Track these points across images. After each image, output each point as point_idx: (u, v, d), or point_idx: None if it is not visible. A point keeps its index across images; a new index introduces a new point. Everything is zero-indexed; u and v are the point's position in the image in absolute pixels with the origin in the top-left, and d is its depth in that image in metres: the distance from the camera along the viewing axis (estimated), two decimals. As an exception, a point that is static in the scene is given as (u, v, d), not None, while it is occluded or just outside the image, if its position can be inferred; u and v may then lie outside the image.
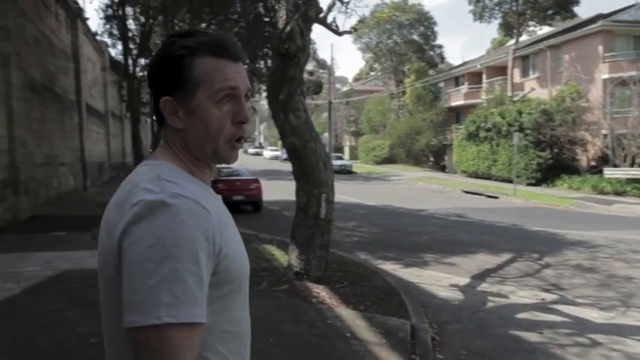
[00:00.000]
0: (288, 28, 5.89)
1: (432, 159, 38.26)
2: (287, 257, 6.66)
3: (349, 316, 4.91)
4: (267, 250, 8.38)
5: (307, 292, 5.69)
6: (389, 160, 41.19)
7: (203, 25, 14.54)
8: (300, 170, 6.21)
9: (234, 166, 17.61)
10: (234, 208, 15.35)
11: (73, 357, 3.68)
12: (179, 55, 1.02)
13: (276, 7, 6.23)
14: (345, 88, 60.50)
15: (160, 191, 0.93)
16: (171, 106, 1.03)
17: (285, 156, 51.34)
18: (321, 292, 5.71)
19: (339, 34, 10.50)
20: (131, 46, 15.62)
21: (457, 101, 36.07)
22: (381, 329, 4.60)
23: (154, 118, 1.16)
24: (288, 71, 6.00)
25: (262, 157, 56.79)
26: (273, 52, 6.54)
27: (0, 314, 4.54)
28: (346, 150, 50.90)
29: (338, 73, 78.20)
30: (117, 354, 0.99)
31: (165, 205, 0.91)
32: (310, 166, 6.10)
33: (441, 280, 7.36)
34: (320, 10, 6.45)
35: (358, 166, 39.52)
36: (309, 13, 6.06)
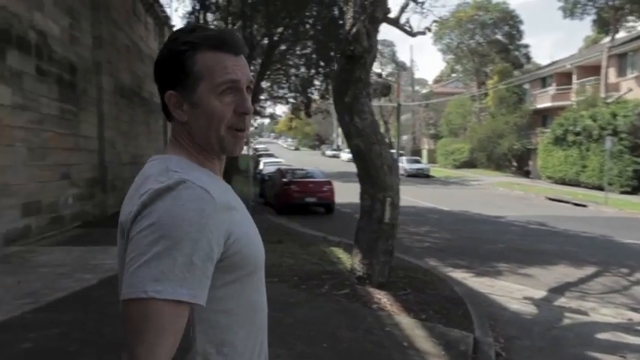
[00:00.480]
0: (354, 30, 5.83)
1: (514, 164, 36.58)
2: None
3: (409, 324, 4.76)
4: (334, 253, 8.36)
5: (368, 297, 5.59)
6: (468, 164, 39.91)
7: (280, 29, 14.80)
8: (365, 173, 6.12)
9: (309, 168, 17.82)
10: (305, 209, 15.54)
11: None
12: (181, 51, 1.05)
13: (345, 9, 6.18)
14: (424, 90, 59.38)
15: (167, 180, 0.96)
16: (176, 99, 1.07)
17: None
18: (383, 298, 5.58)
19: (413, 35, 10.31)
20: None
21: (543, 103, 34.20)
22: (442, 340, 4.40)
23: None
24: (354, 73, 5.93)
25: (339, 160, 57.03)
26: (339, 53, 6.49)
27: (75, 303, 4.85)
28: (424, 153, 49.92)
29: (418, 75, 76.96)
30: None
31: (169, 189, 0.94)
32: (375, 169, 5.99)
33: (514, 291, 6.96)
34: (388, 10, 6.32)
35: (436, 170, 38.61)
36: (375, 14, 5.96)
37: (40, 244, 8.23)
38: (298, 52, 17.64)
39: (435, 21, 13.76)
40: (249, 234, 1.06)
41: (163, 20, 20.33)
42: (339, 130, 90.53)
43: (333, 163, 48.98)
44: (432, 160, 46.45)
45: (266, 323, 1.16)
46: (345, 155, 57.97)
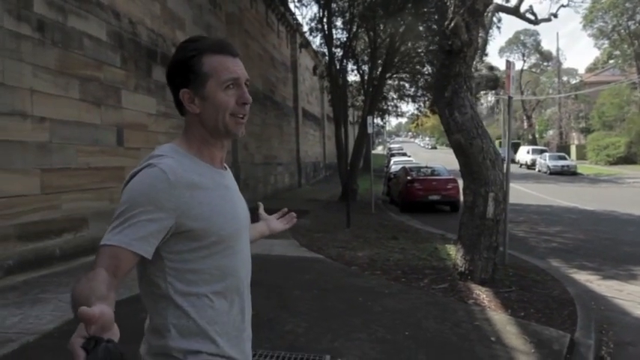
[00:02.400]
0: (452, 24, 5.79)
1: (684, 158, 32.01)
2: (458, 257, 6.52)
3: (501, 320, 4.65)
4: (446, 250, 8.28)
5: (466, 292, 5.53)
6: (626, 160, 35.78)
7: (401, 28, 14.83)
8: (466, 168, 6.04)
9: (435, 165, 17.54)
10: (430, 207, 15.34)
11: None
12: (190, 56, 1.30)
13: (448, 3, 6.15)
14: (573, 81, 54.51)
15: (143, 164, 1.26)
16: (189, 95, 1.31)
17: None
18: (482, 294, 5.48)
19: (536, 22, 9.77)
20: (338, 52, 16.80)
21: None
22: (534, 338, 4.25)
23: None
24: (454, 68, 5.89)
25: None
26: (438, 49, 6.47)
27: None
28: (573, 149, 45.84)
29: (566, 64, 70.78)
30: None
31: (138, 172, 1.24)
32: (477, 163, 5.88)
33: (646, 297, 6.31)
34: (489, 1, 6.14)
35: (585, 167, 35.30)
36: (476, 6, 5.84)
37: (179, 234, 9.35)
38: (423, 50, 17.46)
39: (562, 5, 12.72)
40: (215, 210, 1.28)
41: (294, 27, 21.48)
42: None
43: (470, 161, 47.12)
44: (581, 156, 42.48)
45: (242, 288, 1.37)
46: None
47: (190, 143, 1.34)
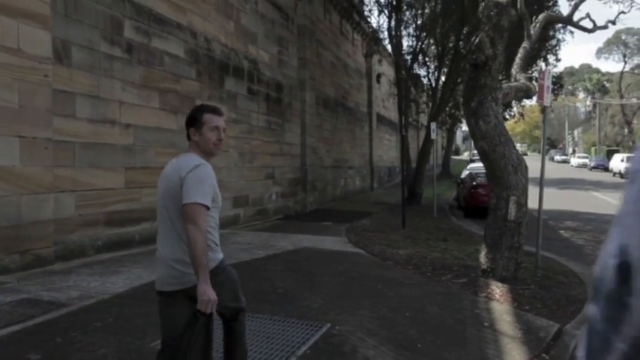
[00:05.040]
0: (477, 39, 6.29)
1: None
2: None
3: (500, 310, 5.12)
4: (486, 252, 8.62)
5: (482, 287, 6.00)
6: None
7: (464, 36, 15.04)
8: (490, 173, 6.50)
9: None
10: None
11: (261, 297, 5.18)
12: (196, 113, 2.64)
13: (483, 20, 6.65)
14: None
15: (199, 161, 2.41)
16: (194, 132, 2.61)
17: (593, 164, 46.08)
18: (497, 289, 5.92)
19: (591, 31, 9.83)
20: (409, 59, 17.35)
21: None
22: (525, 326, 4.71)
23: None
24: (479, 80, 6.37)
25: (568, 165, 52.32)
26: (467, 62, 6.95)
27: (240, 267, 6.44)
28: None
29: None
30: (166, 227, 2.50)
31: (203, 165, 2.43)
32: (499, 169, 6.32)
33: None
34: (514, 18, 6.56)
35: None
36: (501, 23, 6.30)
37: (244, 229, 10.45)
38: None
39: (622, 12, 12.29)
40: (218, 190, 2.52)
41: (370, 35, 22.10)
42: (575, 132, 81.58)
43: (559, 168, 45.24)
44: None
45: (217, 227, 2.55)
46: (576, 160, 52.86)
47: (200, 154, 2.55)
